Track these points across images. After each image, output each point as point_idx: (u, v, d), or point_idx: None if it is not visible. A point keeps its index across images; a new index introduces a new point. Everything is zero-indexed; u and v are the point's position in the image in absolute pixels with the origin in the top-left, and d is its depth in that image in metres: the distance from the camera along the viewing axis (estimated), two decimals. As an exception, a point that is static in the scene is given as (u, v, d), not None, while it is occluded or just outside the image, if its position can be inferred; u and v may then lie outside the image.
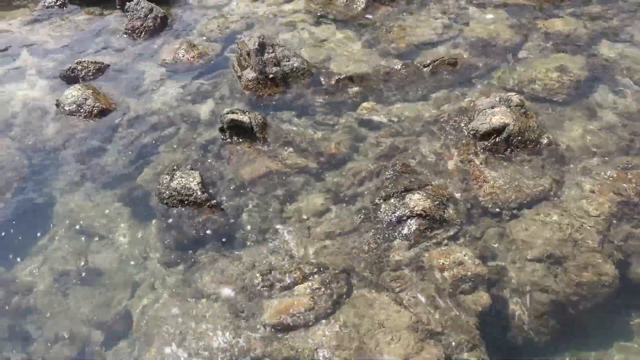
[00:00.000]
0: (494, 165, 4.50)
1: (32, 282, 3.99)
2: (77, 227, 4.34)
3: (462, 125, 4.93)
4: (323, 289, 3.71)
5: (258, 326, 3.58)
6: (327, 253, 3.97)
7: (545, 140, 4.67)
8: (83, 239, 4.27)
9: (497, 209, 4.20)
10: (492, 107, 4.78)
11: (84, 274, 4.03)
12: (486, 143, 4.65)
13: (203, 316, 3.68)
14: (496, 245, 3.99)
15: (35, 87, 6.00)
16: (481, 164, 4.53)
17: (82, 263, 4.09)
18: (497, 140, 4.63)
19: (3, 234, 4.31)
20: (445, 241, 4.00)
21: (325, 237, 4.10)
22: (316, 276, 3.80)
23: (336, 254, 3.95)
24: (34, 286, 3.96)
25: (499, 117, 4.66)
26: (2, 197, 4.54)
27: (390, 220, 4.12)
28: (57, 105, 5.47)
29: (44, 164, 4.93)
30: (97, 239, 4.26)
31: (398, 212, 4.12)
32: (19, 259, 4.14)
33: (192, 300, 3.79)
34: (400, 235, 4.02)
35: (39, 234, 4.31)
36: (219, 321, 3.63)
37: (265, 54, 5.71)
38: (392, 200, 4.23)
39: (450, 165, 4.56)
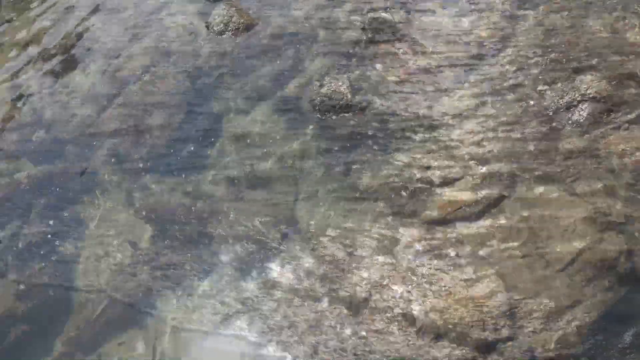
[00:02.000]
0: (690, 31, 3.80)
1: (211, 189, 4.46)
2: (240, 138, 4.68)
3: (644, -11, 4.18)
4: (486, 182, 3.59)
5: (421, 222, 3.62)
6: (488, 146, 3.79)
7: None
8: (247, 148, 4.60)
9: (694, 83, 3.60)
10: (687, -39, 3.95)
11: (252, 180, 4.38)
12: (678, 6, 3.91)
13: (365, 215, 3.82)
14: (692, 126, 3.46)
15: (184, 12, 6.34)
16: (673, 31, 3.85)
17: (249, 170, 4.45)
18: (692, 1, 3.86)
19: (183, 150, 4.81)
20: (626, 125, 3.57)
21: (483, 130, 3.90)
22: (478, 169, 3.67)
23: (498, 146, 3.76)
24: (213, 193, 4.43)
25: (696, -29, 3.84)
26: (175, 117, 5.04)
27: (558, 107, 3.76)
28: (207, 27, 5.75)
29: (203, 83, 5.31)
30: (258, 148, 4.56)
31: (567, 97, 3.74)
32: (198, 171, 4.61)
33: (352, 200, 3.94)
34: (571, 122, 3.67)
35: (210, 147, 4.73)
36: (381, 219, 3.75)
37: (402, -58, 5.30)
38: (559, 85, 3.84)
39: (631, 38, 3.94)
